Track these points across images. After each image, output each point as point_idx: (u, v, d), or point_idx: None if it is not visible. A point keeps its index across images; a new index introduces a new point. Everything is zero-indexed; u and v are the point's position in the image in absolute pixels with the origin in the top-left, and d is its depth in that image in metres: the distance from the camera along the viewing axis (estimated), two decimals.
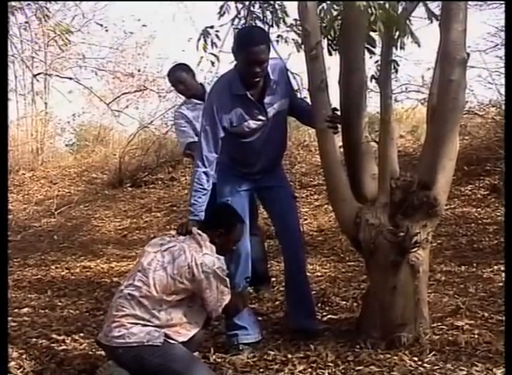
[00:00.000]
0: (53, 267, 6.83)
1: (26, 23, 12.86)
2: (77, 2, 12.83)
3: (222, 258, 3.48)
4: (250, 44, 3.77)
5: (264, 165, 4.13)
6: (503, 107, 9.65)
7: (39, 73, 14.60)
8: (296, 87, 4.22)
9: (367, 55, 4.16)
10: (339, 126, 3.87)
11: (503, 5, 5.19)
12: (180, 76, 5.21)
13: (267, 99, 3.95)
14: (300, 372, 3.51)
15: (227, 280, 3.43)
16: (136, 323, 3.29)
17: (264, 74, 3.85)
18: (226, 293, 3.43)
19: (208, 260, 3.35)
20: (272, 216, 4.42)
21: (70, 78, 14.63)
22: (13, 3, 8.74)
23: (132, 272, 3.53)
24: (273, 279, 5.51)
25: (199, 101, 5.19)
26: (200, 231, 3.50)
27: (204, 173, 3.82)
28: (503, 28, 10.07)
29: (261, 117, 3.97)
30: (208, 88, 5.28)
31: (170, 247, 3.44)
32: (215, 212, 3.73)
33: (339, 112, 3.91)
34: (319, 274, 5.70)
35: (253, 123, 3.96)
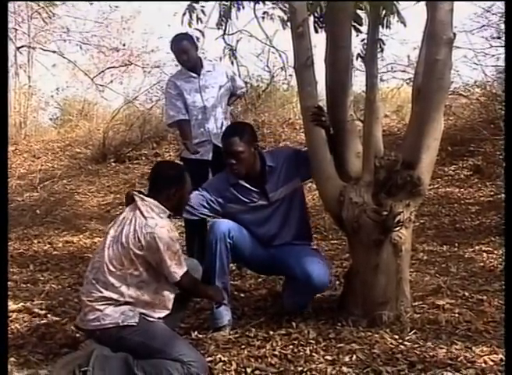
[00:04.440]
0: (35, 241, 6.81)
1: None
2: None
3: (167, 219, 3.43)
4: (223, 136, 4.08)
5: (276, 242, 4.10)
6: (488, 88, 9.69)
7: (22, 46, 14.47)
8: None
9: (353, 33, 4.15)
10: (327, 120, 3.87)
11: None
12: (185, 46, 5.16)
13: (269, 185, 4.01)
14: (281, 349, 3.52)
15: (176, 245, 3.35)
16: (109, 304, 3.28)
17: (244, 165, 3.95)
18: (176, 259, 3.33)
19: (150, 222, 3.30)
20: (288, 269, 4.02)
21: (54, 51, 14.50)
22: None
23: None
24: None
25: (194, 75, 5.17)
26: (142, 196, 3.45)
27: None
28: (490, 9, 10.10)
29: (261, 202, 4.03)
30: (204, 63, 5.28)
31: (120, 220, 3.42)
32: (161, 172, 3.64)
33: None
34: None
35: (251, 205, 4.03)
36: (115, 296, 3.29)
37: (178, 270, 3.36)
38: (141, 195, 3.46)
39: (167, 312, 3.43)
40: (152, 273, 3.35)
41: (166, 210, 3.45)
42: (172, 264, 3.33)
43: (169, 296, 3.44)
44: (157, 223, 3.31)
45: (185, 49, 5.14)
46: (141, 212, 3.36)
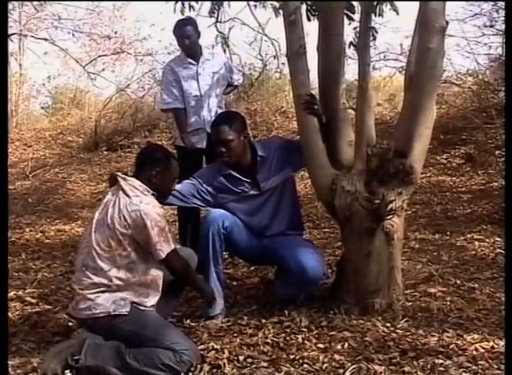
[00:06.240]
0: (27, 230, 6.81)
1: None
2: None
3: (152, 197, 3.43)
4: (213, 125, 4.10)
5: (268, 233, 4.10)
6: (480, 76, 9.70)
7: (13, 34, 14.36)
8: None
9: (346, 21, 4.13)
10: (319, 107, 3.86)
11: None
12: (188, 32, 5.13)
13: (260, 175, 4.01)
14: (273, 337, 3.52)
15: (163, 220, 3.34)
16: (102, 291, 3.27)
17: (234, 154, 3.95)
18: (163, 236, 3.32)
19: (135, 200, 3.30)
20: (282, 261, 4.01)
21: (45, 39, 14.41)
22: None
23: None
24: None
25: (193, 62, 5.16)
26: (125, 176, 3.44)
27: None
28: None
29: (252, 192, 4.03)
30: (204, 51, 5.26)
31: (104, 203, 3.42)
32: (145, 153, 3.68)
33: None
34: None
35: (243, 194, 4.03)
36: (105, 281, 3.28)
37: (165, 247, 3.33)
38: (123, 175, 3.45)
39: (159, 294, 3.43)
40: (141, 252, 3.34)
41: (149, 189, 3.44)
42: (160, 240, 3.31)
43: (160, 275, 3.44)
44: (141, 200, 3.31)
45: (188, 35, 5.12)
46: (125, 192, 3.36)
